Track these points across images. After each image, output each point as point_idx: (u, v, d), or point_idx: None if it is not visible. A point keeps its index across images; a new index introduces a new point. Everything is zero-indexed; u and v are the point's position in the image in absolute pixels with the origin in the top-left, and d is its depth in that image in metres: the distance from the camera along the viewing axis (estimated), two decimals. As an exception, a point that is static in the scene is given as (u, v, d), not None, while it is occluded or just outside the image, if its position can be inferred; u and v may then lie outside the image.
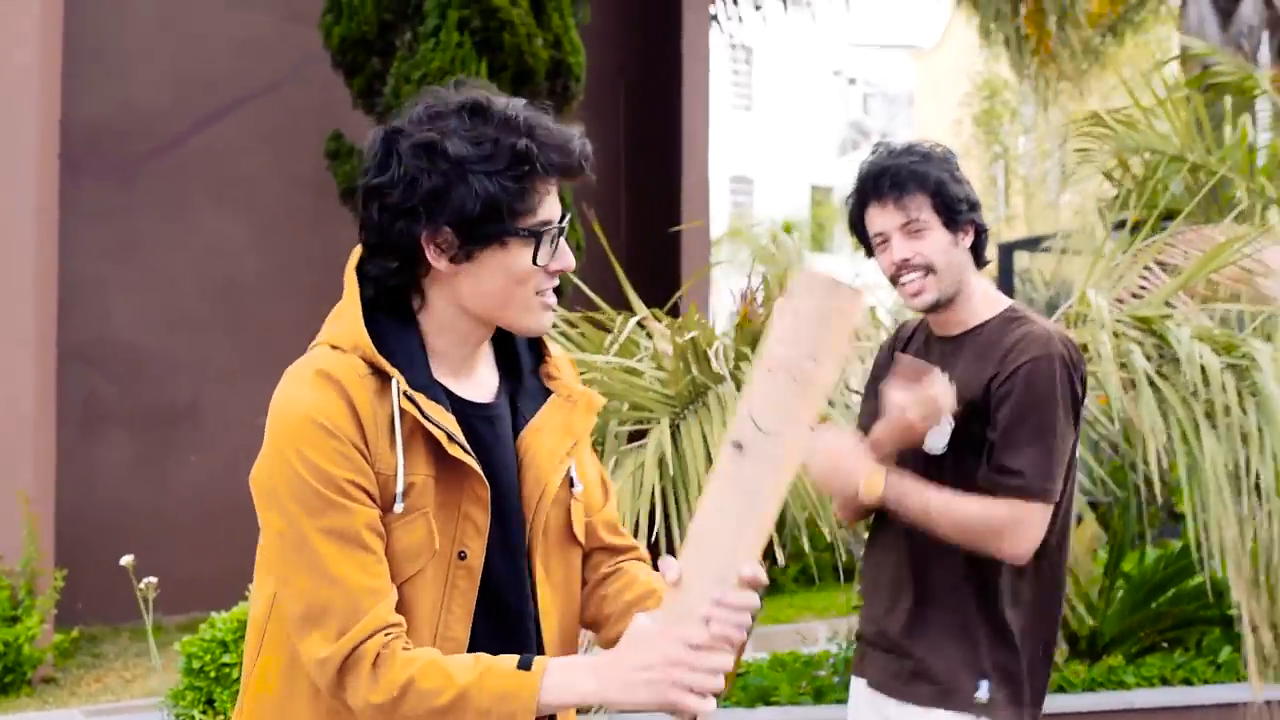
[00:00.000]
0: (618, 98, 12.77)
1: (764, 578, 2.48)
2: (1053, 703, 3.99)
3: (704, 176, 12.77)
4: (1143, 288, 6.41)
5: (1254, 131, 8.82)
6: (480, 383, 2.72)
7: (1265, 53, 14.54)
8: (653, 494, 5.03)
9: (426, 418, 2.53)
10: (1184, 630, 6.84)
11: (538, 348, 2.83)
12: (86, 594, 10.50)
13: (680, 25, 12.60)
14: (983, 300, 4.08)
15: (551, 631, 2.73)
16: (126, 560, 5.75)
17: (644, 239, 11.85)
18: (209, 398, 11.77)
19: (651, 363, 5.81)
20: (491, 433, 2.67)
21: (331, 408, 2.47)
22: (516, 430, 2.72)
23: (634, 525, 5.01)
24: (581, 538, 2.83)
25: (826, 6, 17.32)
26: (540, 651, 2.68)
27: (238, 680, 5.61)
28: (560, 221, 2.59)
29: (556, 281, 2.62)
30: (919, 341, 4.21)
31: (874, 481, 3.91)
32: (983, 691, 3.90)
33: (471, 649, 2.57)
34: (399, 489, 2.50)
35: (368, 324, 2.59)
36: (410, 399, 2.53)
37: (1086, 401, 5.73)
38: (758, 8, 17.14)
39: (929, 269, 3.97)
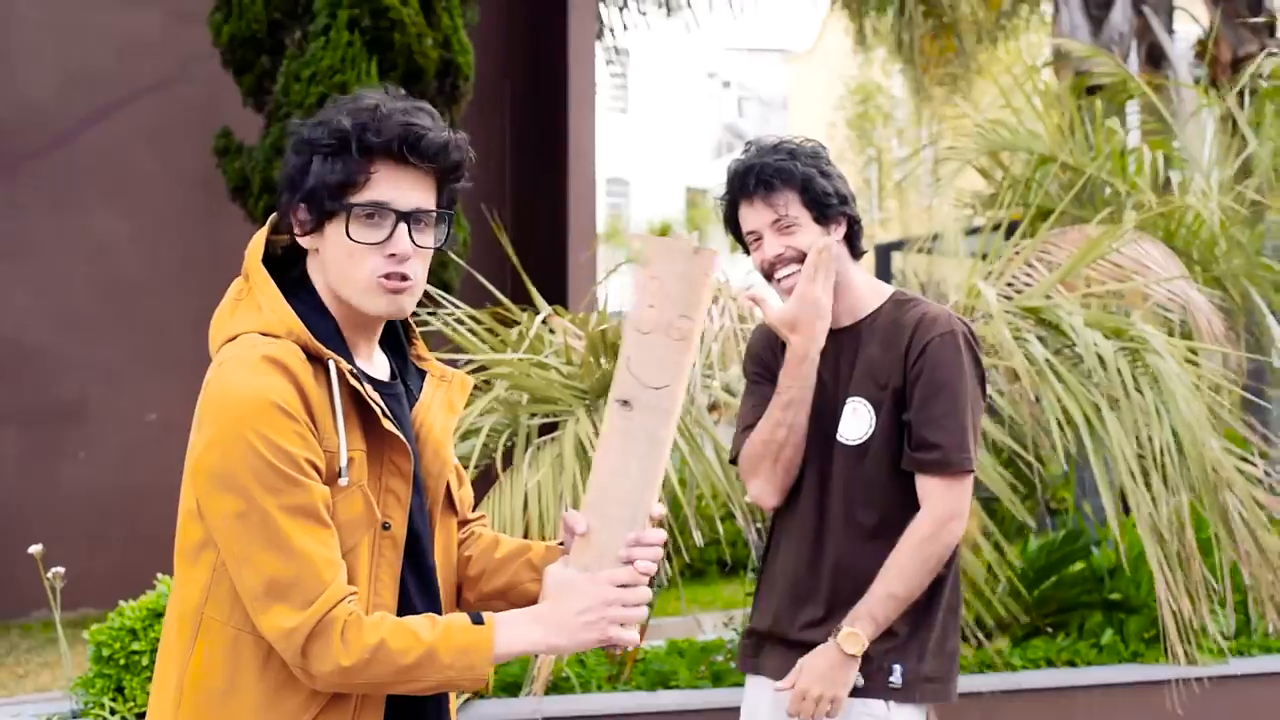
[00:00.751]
0: (503, 99, 12.87)
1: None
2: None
3: (590, 178, 12.89)
4: (1025, 283, 6.61)
5: (1123, 133, 9.06)
6: (378, 363, 2.90)
7: (1134, 60, 14.87)
8: (574, 480, 5.17)
9: (368, 395, 2.70)
10: (1067, 614, 7.07)
11: (406, 331, 3.01)
12: (-28, 591, 10.49)
13: (566, 28, 12.70)
14: (868, 288, 4.21)
15: (445, 597, 2.94)
16: (35, 549, 5.80)
17: (529, 239, 11.94)
18: (98, 395, 11.74)
19: (558, 358, 5.94)
20: (400, 409, 2.86)
21: (284, 390, 2.61)
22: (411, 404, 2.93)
23: (556, 509, 5.16)
24: (458, 508, 3.04)
25: (703, 11, 17.59)
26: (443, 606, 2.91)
27: (147, 668, 5.67)
28: (413, 211, 2.74)
29: (399, 267, 2.72)
30: None
31: (853, 637, 3.97)
32: (896, 676, 4.06)
33: (401, 613, 2.73)
34: (342, 463, 2.65)
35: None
36: (353, 375, 2.69)
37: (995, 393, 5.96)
38: (642, 14, 17.38)
39: (801, 262, 4.08)
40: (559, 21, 12.80)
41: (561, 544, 2.97)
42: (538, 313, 6.13)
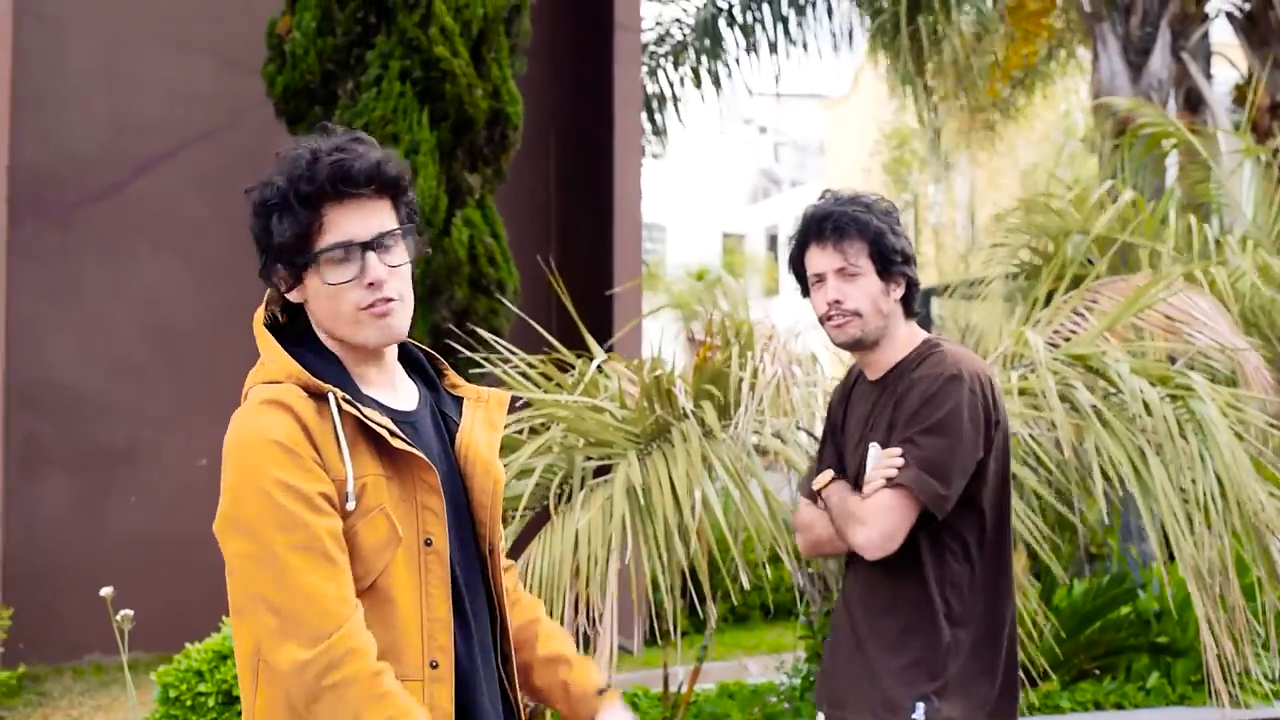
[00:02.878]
0: (549, 145, 13.01)
1: None
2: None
3: (637, 223, 12.98)
4: (1071, 331, 6.70)
5: (1165, 193, 9.16)
6: (404, 394, 3.05)
7: (1172, 107, 14.95)
8: (623, 522, 5.27)
9: (366, 418, 2.84)
10: (1114, 658, 7.14)
11: (434, 364, 3.19)
12: (28, 634, 10.59)
13: (611, 74, 12.82)
14: (906, 339, 4.34)
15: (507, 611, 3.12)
16: (106, 592, 5.91)
17: (575, 284, 12.05)
18: (147, 440, 11.87)
19: (613, 402, 6.05)
20: (417, 435, 2.98)
21: (287, 428, 2.77)
22: (452, 435, 3.09)
23: (605, 551, 5.25)
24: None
25: (741, 59, 17.83)
26: (503, 628, 3.09)
27: (213, 709, 5.79)
28: (376, 237, 2.88)
29: (380, 293, 2.88)
30: (859, 385, 4.49)
31: (823, 479, 4.33)
32: (919, 713, 4.15)
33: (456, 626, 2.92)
34: (349, 488, 2.79)
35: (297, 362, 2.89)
36: (349, 403, 2.84)
37: (1030, 438, 6.03)
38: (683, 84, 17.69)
39: (857, 313, 4.25)
40: (604, 67, 12.91)
41: (600, 692, 3.19)
42: (592, 358, 6.24)
